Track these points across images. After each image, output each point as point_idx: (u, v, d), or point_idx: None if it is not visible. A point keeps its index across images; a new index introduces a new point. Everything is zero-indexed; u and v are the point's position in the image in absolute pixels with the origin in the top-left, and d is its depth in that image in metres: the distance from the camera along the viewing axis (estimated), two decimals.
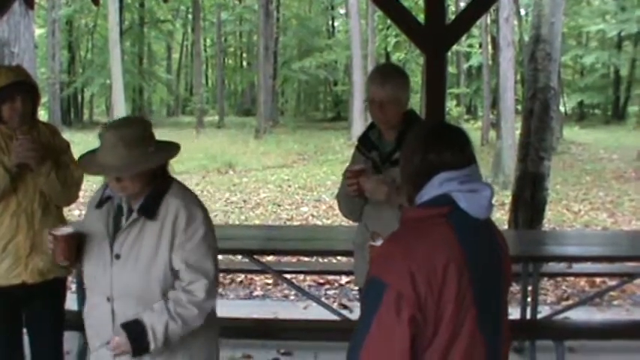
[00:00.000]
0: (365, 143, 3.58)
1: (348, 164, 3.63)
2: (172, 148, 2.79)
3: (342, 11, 45.87)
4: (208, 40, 52.27)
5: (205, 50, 50.97)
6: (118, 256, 2.71)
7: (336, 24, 51.64)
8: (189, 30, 46.77)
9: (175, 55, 54.17)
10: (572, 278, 7.45)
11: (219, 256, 6.77)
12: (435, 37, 4.48)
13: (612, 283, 6.50)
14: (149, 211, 2.70)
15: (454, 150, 2.06)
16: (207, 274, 2.73)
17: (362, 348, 1.88)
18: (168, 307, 2.65)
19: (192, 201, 2.81)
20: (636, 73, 39.63)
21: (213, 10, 44.56)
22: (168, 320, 2.63)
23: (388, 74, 3.52)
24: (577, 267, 6.60)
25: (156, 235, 2.70)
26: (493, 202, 2.06)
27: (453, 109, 32.72)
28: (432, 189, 2.03)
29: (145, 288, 2.68)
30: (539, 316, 5.55)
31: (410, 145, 2.15)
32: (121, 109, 23.81)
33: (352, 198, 3.45)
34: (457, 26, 4.72)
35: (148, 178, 2.70)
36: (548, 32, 7.90)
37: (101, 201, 2.82)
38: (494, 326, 2.05)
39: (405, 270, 1.87)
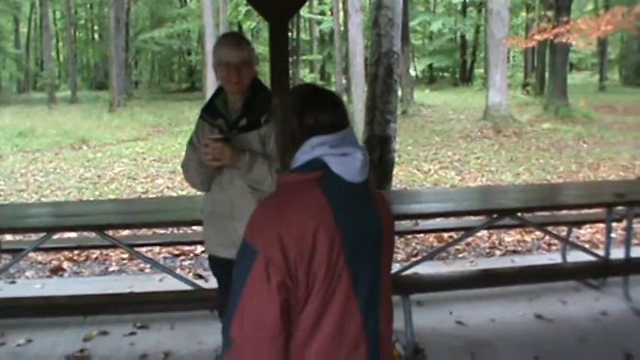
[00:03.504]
0: (210, 111, 3.58)
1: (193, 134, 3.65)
2: None
3: None
4: (58, 13, 50.31)
5: (55, 23, 49.06)
6: None
7: None
8: (37, 2, 44.66)
9: (24, 29, 51.76)
10: (422, 235, 7.71)
11: (73, 234, 6.70)
12: (277, 5, 4.54)
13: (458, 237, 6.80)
14: None
15: (330, 112, 2.06)
16: None
17: (235, 314, 1.88)
18: None
19: None
20: (480, 38, 41.40)
21: None
22: None
23: (241, 39, 3.52)
24: (425, 224, 6.77)
25: None
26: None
27: (306, 75, 33.03)
28: (305, 154, 2.03)
29: None
30: None
31: (284, 110, 2.10)
32: None
33: (209, 167, 3.42)
34: None
35: None
36: None
37: None
38: (371, 290, 2.05)
39: (275, 235, 1.88)
